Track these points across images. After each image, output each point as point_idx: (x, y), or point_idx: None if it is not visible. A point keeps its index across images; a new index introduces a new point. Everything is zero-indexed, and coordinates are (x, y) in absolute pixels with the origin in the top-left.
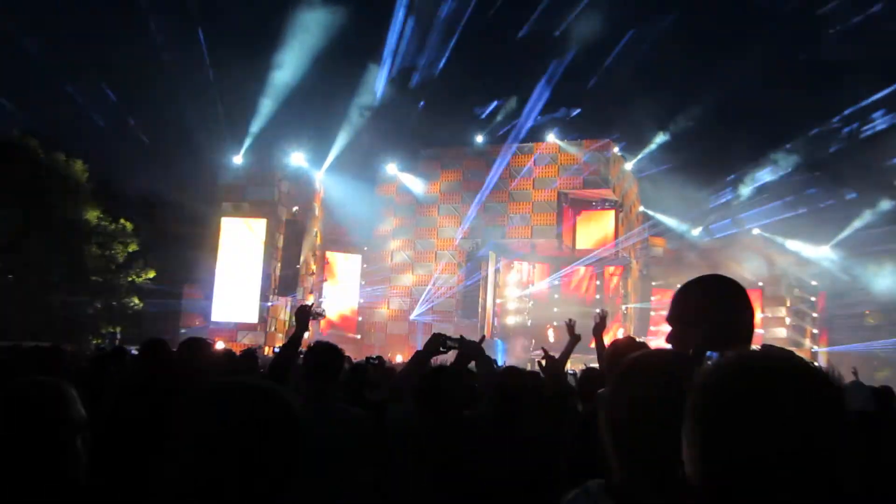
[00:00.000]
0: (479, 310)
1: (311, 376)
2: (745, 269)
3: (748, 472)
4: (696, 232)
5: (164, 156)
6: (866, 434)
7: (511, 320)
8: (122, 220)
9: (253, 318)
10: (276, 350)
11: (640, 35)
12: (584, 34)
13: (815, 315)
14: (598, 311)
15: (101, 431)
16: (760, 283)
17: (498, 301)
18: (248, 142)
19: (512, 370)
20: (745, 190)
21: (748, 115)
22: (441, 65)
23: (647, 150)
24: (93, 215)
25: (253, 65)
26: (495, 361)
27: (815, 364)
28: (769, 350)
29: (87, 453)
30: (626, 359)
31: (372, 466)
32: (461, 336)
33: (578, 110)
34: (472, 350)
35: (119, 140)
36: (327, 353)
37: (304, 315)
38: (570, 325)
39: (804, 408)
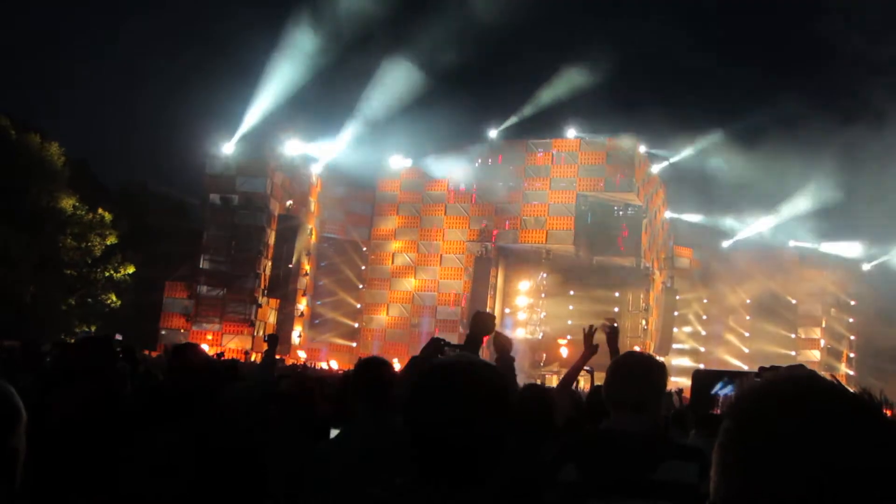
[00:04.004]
0: None
1: (365, 393)
2: (778, 285)
3: (791, 497)
4: (727, 243)
5: (148, 141)
6: None
7: (520, 332)
8: (100, 210)
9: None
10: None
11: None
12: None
13: (852, 337)
14: (605, 321)
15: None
16: (794, 301)
17: (507, 311)
18: (240, 128)
19: (531, 388)
20: (784, 198)
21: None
22: (456, 50)
23: (679, 150)
24: (68, 203)
25: (249, 41)
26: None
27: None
28: (803, 372)
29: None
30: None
31: None
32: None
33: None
34: (498, 346)
35: (99, 123)
36: (379, 367)
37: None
38: (590, 334)
39: (856, 435)
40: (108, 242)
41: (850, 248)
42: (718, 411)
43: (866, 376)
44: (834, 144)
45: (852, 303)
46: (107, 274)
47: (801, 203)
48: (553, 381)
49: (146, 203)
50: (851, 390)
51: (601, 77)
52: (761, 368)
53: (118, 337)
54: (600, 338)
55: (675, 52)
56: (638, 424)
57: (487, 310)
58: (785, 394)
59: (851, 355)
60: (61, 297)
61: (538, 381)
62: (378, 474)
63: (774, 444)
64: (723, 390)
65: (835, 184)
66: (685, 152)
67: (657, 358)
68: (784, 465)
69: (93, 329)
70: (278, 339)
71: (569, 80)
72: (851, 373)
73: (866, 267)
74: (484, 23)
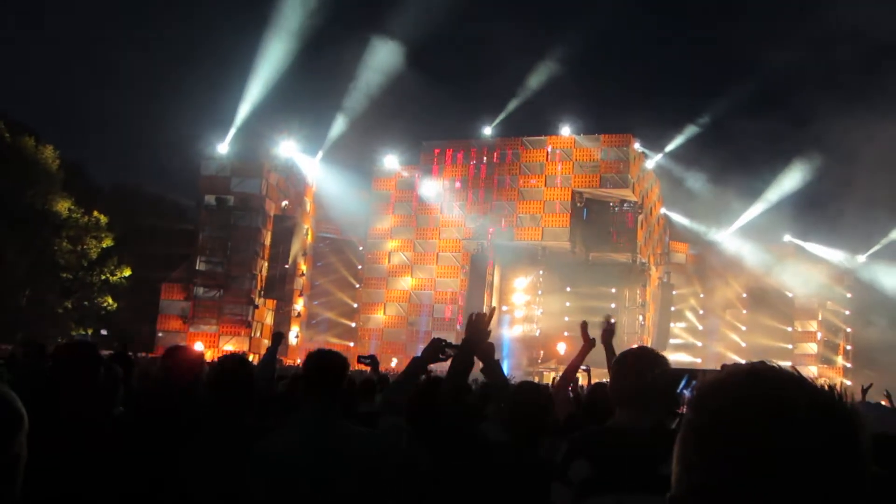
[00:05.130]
0: None
1: (309, 390)
2: (774, 279)
3: (751, 491)
4: (722, 237)
5: (143, 144)
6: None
7: (518, 329)
8: (95, 213)
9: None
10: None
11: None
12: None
13: (848, 330)
14: (603, 318)
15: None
16: (790, 294)
17: (504, 308)
18: (234, 129)
19: (527, 386)
20: (777, 193)
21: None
22: (447, 46)
23: (671, 146)
24: (64, 206)
25: (242, 42)
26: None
27: (824, 382)
28: (762, 365)
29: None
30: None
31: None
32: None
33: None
34: (481, 353)
35: (93, 125)
36: (326, 361)
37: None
38: (584, 328)
39: (816, 428)
40: (104, 245)
41: (841, 242)
42: (683, 409)
43: (862, 368)
44: (824, 138)
45: (848, 295)
46: (103, 277)
47: (792, 196)
48: (549, 378)
49: (141, 205)
50: (811, 382)
51: (593, 74)
52: (723, 366)
53: (103, 332)
54: (595, 332)
55: (673, 47)
56: (645, 419)
57: (484, 308)
58: (743, 385)
59: (848, 347)
60: (57, 300)
61: (535, 378)
62: (319, 477)
63: (733, 435)
64: (687, 389)
65: (824, 177)
66: (676, 143)
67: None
68: (742, 454)
69: (89, 332)
70: (282, 338)
71: (562, 78)
72: (848, 365)
73: (861, 259)
74: (477, 23)
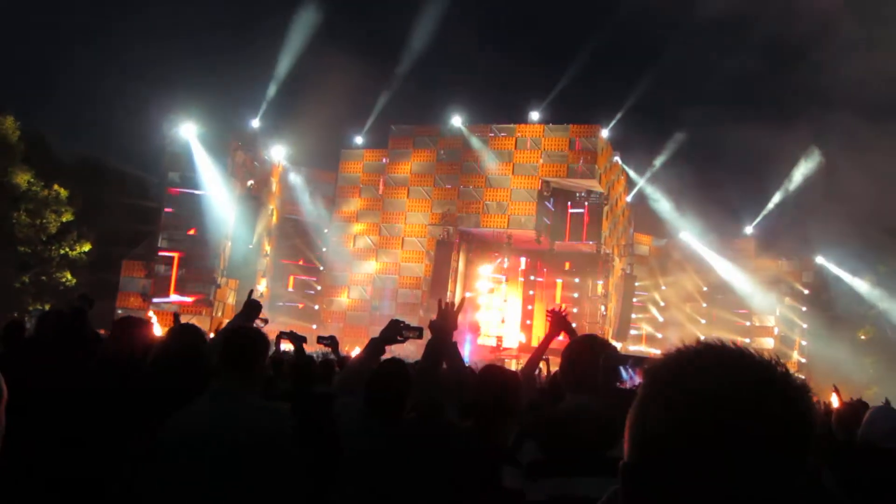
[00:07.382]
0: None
1: (223, 368)
2: (733, 273)
3: (707, 451)
4: (684, 232)
5: (106, 117)
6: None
7: (482, 316)
8: (55, 186)
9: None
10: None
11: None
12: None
13: (804, 326)
14: (555, 306)
15: None
16: (749, 290)
17: (468, 295)
18: (200, 104)
19: (492, 370)
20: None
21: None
22: (418, 30)
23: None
24: (23, 179)
25: (206, 14)
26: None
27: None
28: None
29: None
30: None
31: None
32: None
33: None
34: (443, 337)
35: (55, 97)
36: (243, 339)
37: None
38: (556, 314)
39: (769, 391)
40: (64, 219)
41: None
42: (626, 385)
43: (817, 363)
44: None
45: (806, 292)
46: (62, 252)
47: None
48: (511, 366)
49: (104, 180)
50: (760, 353)
51: (566, 63)
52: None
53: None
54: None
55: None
56: (594, 404)
57: (448, 293)
58: (700, 353)
59: (804, 343)
60: (14, 275)
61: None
62: (221, 456)
63: (691, 397)
64: (627, 366)
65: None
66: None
67: (611, 341)
68: (699, 414)
69: (47, 307)
70: (256, 308)
71: (532, 66)
72: (803, 360)
73: (819, 259)
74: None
